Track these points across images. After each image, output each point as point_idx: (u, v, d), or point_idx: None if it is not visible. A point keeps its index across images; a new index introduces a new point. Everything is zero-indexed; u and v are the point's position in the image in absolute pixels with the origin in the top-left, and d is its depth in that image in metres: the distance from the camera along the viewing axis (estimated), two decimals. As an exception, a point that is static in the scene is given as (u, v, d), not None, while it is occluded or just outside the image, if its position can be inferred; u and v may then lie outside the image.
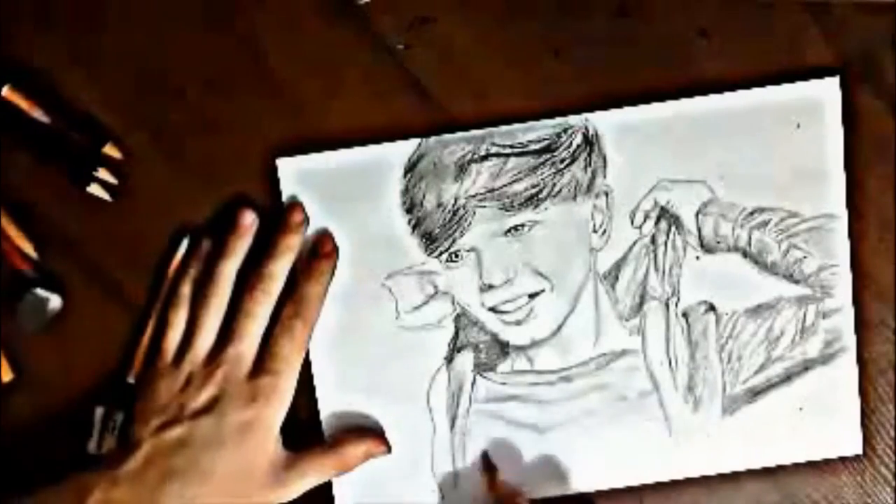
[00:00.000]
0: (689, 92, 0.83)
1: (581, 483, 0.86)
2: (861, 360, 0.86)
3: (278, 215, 0.84)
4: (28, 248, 0.84)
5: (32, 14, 0.84)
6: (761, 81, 0.83)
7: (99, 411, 0.85)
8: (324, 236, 0.84)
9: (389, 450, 0.86)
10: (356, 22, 0.84)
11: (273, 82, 0.84)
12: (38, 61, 0.84)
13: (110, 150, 0.84)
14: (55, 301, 0.85)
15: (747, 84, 0.83)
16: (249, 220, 0.84)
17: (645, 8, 0.83)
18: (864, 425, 0.86)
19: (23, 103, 0.83)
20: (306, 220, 0.84)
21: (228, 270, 0.83)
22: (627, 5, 0.83)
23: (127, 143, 0.85)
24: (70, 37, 0.84)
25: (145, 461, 0.79)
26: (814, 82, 0.83)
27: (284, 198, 0.84)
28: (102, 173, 0.84)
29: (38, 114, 0.83)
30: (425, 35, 0.84)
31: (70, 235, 0.86)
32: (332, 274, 0.84)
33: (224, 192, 0.85)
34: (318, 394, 0.86)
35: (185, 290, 0.84)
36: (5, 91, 0.83)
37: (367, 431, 0.86)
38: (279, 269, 0.83)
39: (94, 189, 0.84)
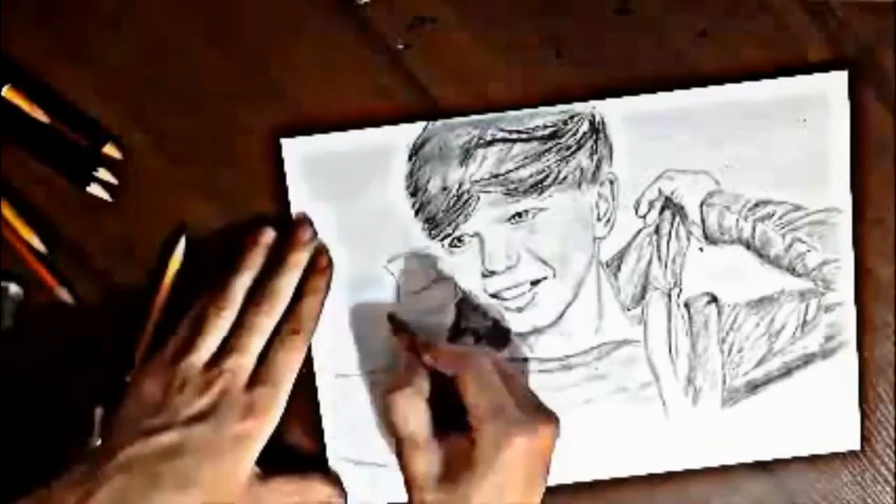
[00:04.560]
0: (693, 87, 0.83)
1: (578, 473, 0.86)
2: (861, 360, 0.86)
3: (283, 222, 0.84)
4: (36, 243, 0.84)
5: (33, 14, 0.84)
6: (762, 80, 0.83)
7: (99, 411, 0.84)
8: (319, 252, 0.84)
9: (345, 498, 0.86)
10: (356, 22, 0.84)
11: (273, 82, 0.84)
12: (38, 61, 0.84)
13: (110, 150, 0.84)
14: (14, 290, 0.85)
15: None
16: (269, 239, 0.84)
17: (645, 8, 0.84)
18: (863, 424, 0.86)
19: (23, 103, 0.83)
20: (315, 235, 0.84)
21: (242, 284, 0.82)
22: (628, 5, 0.84)
23: (127, 143, 0.85)
24: (70, 37, 0.84)
25: (128, 467, 0.77)
26: (821, 76, 0.83)
27: (288, 181, 0.84)
28: (102, 173, 0.84)
29: (38, 114, 0.83)
30: (425, 35, 0.84)
31: (70, 235, 0.85)
32: (328, 288, 0.84)
33: (224, 191, 0.85)
34: (318, 378, 0.86)
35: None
36: (5, 91, 0.83)
37: (334, 479, 0.86)
38: (286, 285, 0.82)
39: (94, 189, 0.84)
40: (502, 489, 0.76)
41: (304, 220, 0.84)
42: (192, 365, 0.80)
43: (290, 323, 0.82)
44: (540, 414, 0.78)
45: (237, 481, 0.79)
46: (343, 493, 0.86)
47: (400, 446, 0.79)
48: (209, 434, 0.78)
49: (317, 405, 0.86)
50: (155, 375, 0.80)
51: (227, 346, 0.81)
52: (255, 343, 0.81)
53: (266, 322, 0.81)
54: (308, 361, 0.85)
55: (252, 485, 0.80)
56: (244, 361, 0.80)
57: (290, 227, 0.84)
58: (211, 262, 0.84)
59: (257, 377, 0.81)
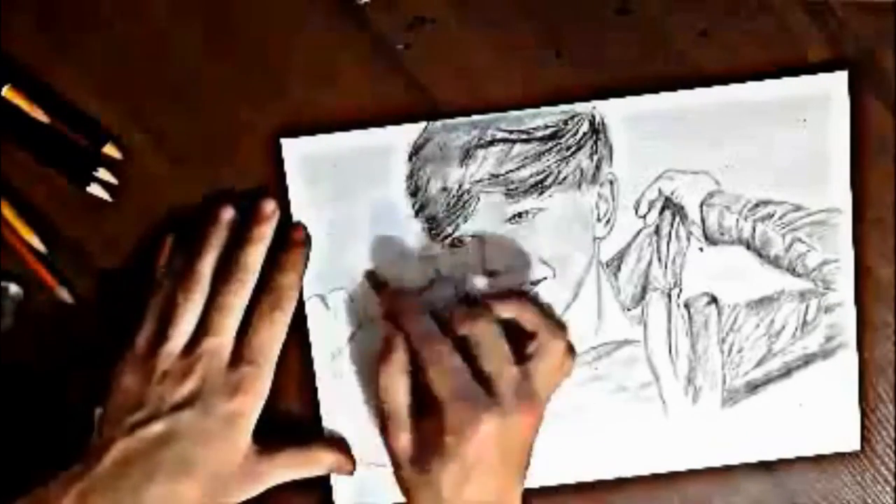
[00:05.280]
0: (693, 87, 0.83)
1: (579, 473, 0.86)
2: (861, 360, 0.86)
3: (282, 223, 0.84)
4: (36, 243, 0.84)
5: (33, 14, 0.84)
6: (762, 79, 0.83)
7: (99, 411, 0.84)
8: (295, 227, 0.84)
9: (353, 471, 0.86)
10: (356, 22, 0.84)
11: (273, 82, 0.84)
12: (38, 61, 0.84)
13: (110, 150, 0.84)
14: (14, 289, 0.85)
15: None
16: (228, 216, 0.84)
17: (645, 8, 0.84)
18: (863, 424, 0.86)
19: (23, 103, 0.83)
20: (277, 209, 0.84)
21: (207, 265, 0.82)
22: (628, 5, 0.84)
23: (127, 143, 0.85)
24: (70, 37, 0.84)
25: (122, 461, 0.78)
26: (821, 76, 0.83)
27: (288, 181, 0.84)
28: (102, 173, 0.84)
29: (38, 114, 0.83)
30: (425, 35, 0.84)
31: (70, 235, 0.85)
32: (306, 262, 0.84)
33: (224, 192, 0.85)
34: (317, 378, 0.86)
35: (165, 282, 0.83)
36: (5, 91, 0.83)
37: (339, 444, 0.86)
38: (252, 260, 0.82)
39: (94, 189, 0.84)
40: (471, 477, 0.76)
41: (266, 194, 0.84)
42: (169, 353, 0.80)
43: (269, 298, 0.82)
44: (516, 400, 0.77)
45: (234, 461, 0.80)
46: (351, 458, 0.86)
47: (382, 419, 0.80)
48: (197, 418, 0.79)
49: (316, 405, 0.86)
50: (133, 370, 0.81)
51: (201, 328, 0.81)
52: (229, 321, 0.81)
53: (236, 299, 0.81)
54: (308, 362, 0.85)
55: (251, 462, 0.80)
56: (221, 341, 0.80)
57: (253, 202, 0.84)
58: (188, 257, 0.84)
59: (239, 355, 0.81)
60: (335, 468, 0.85)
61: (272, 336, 0.82)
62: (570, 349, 0.81)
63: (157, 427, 0.78)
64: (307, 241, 0.84)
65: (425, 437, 0.78)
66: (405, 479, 0.79)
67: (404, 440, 0.79)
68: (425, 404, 0.78)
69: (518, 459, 0.78)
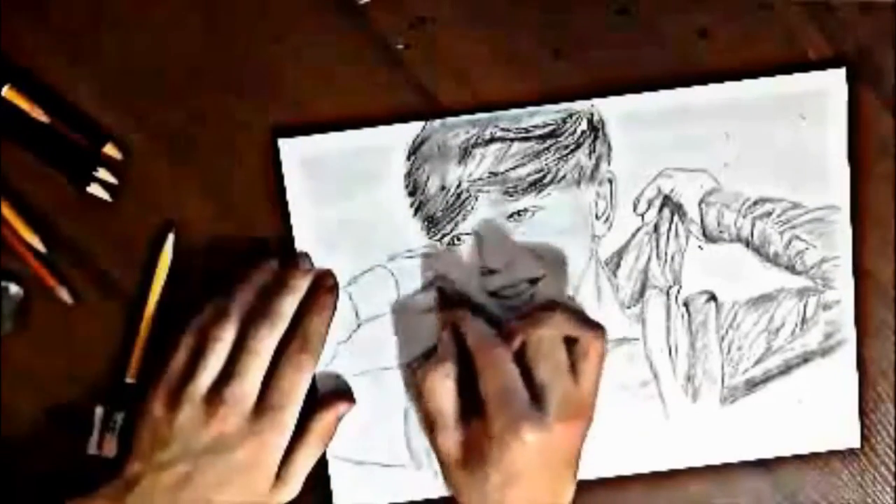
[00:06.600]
0: (692, 85, 0.83)
1: (579, 471, 0.85)
2: (861, 360, 0.86)
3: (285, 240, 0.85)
4: (36, 243, 0.84)
5: (33, 14, 0.84)
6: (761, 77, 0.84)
7: (99, 411, 0.85)
8: (325, 272, 0.84)
9: (353, 401, 0.86)
10: (356, 22, 0.84)
11: (273, 82, 0.84)
12: (38, 61, 0.84)
13: (110, 150, 0.84)
14: (14, 290, 0.85)
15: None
16: (271, 268, 0.84)
17: (645, 8, 0.84)
18: (863, 424, 0.86)
19: (23, 103, 0.83)
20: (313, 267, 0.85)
21: (241, 308, 0.82)
22: (628, 5, 0.84)
23: (127, 143, 0.85)
24: (70, 37, 0.84)
25: (149, 496, 0.79)
26: (819, 74, 0.83)
27: (286, 181, 0.84)
28: (102, 173, 0.84)
29: (38, 114, 0.83)
30: (425, 35, 0.84)
31: (70, 235, 0.85)
32: (335, 307, 0.84)
33: (224, 192, 0.85)
34: (317, 379, 0.85)
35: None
36: (5, 91, 0.83)
37: (330, 396, 0.86)
38: (286, 308, 0.82)
39: (94, 189, 0.84)
40: (516, 482, 0.77)
41: (306, 255, 0.84)
42: (195, 392, 0.80)
43: (296, 342, 0.82)
44: (563, 414, 0.77)
45: (259, 494, 0.81)
46: (347, 398, 0.86)
47: (428, 422, 0.81)
48: (219, 465, 0.79)
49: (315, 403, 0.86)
50: (163, 399, 0.81)
51: (229, 370, 0.80)
52: (257, 367, 0.80)
53: (266, 346, 0.81)
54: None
55: (275, 492, 0.82)
56: (246, 388, 0.80)
57: (293, 254, 0.84)
58: (209, 262, 0.85)
59: (264, 401, 0.80)
60: (340, 417, 0.85)
61: (298, 380, 0.81)
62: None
63: (180, 468, 0.79)
64: (336, 287, 0.84)
65: (472, 440, 0.79)
66: (453, 479, 0.80)
67: (451, 442, 0.79)
68: (474, 409, 0.79)
69: (565, 464, 0.79)
